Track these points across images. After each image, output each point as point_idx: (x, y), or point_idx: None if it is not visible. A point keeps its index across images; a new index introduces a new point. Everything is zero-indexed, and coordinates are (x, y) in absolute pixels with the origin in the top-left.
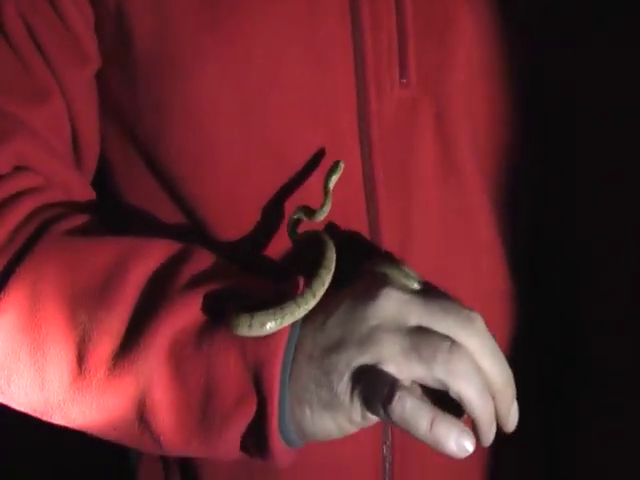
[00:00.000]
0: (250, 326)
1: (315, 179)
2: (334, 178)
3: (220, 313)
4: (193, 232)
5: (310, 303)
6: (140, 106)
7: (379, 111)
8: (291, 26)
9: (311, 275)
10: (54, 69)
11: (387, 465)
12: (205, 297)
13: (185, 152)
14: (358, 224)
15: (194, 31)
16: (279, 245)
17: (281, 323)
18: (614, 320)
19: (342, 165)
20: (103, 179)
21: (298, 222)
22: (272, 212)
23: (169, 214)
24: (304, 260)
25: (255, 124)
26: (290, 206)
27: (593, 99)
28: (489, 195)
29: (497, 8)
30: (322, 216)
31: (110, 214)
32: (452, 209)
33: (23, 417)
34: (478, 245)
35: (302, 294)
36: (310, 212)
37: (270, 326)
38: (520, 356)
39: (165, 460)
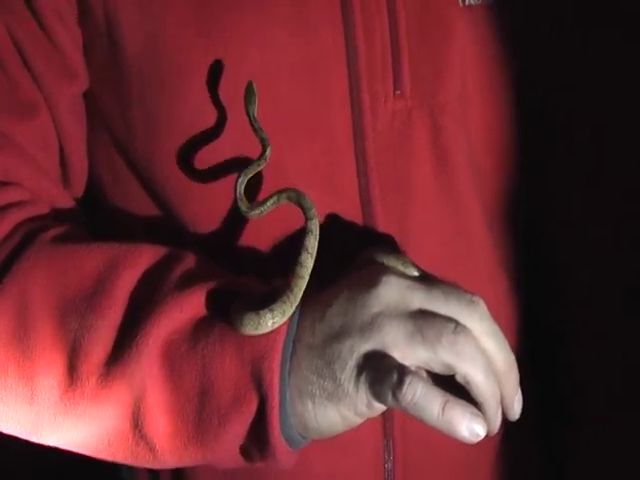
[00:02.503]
0: (257, 326)
1: (310, 194)
2: (254, 104)
3: (214, 311)
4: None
5: (303, 282)
6: (132, 125)
7: (374, 124)
8: (283, 39)
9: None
10: (40, 85)
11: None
12: (197, 296)
13: (176, 171)
14: (354, 239)
15: (184, 49)
16: (276, 261)
17: (283, 316)
18: (606, 327)
19: (254, 86)
20: (92, 196)
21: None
22: (267, 228)
23: (161, 231)
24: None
25: (248, 140)
26: (286, 222)
27: (589, 109)
28: (486, 206)
29: (494, 18)
30: (269, 153)
31: (98, 230)
32: (449, 221)
33: None
34: (476, 255)
35: (293, 274)
36: (256, 162)
37: (274, 322)
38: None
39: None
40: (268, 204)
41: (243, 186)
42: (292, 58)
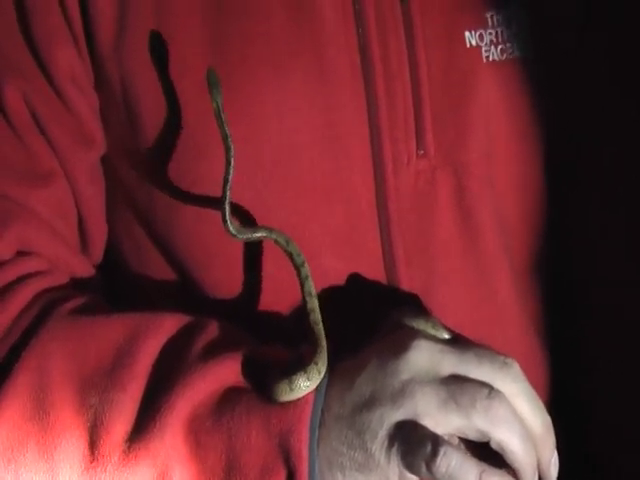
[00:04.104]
0: (309, 384)
1: (333, 260)
2: (221, 94)
3: (240, 382)
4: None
5: (321, 326)
6: (152, 194)
7: (396, 185)
8: (303, 103)
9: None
10: (57, 152)
11: None
12: (222, 367)
13: (197, 239)
14: (379, 302)
15: (203, 117)
16: (299, 326)
17: (324, 365)
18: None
19: (216, 74)
20: (110, 263)
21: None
22: (288, 291)
23: (181, 298)
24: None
25: (270, 206)
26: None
27: (620, 161)
28: (513, 264)
29: (519, 72)
30: (233, 158)
31: (118, 297)
32: (474, 282)
33: None
34: (504, 314)
35: (312, 323)
36: (227, 171)
37: (320, 375)
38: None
39: None
40: (257, 234)
41: (229, 204)
42: (312, 122)
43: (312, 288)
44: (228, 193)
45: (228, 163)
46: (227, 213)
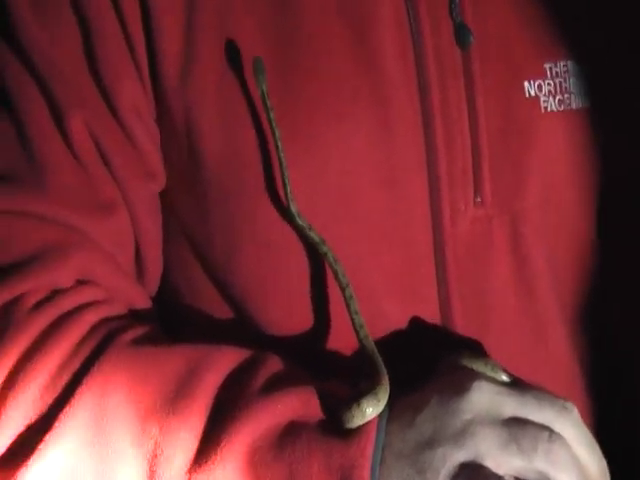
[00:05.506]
0: (376, 405)
1: (390, 303)
2: (266, 81)
3: (300, 416)
4: None
5: (371, 340)
6: (209, 228)
7: (453, 233)
8: (363, 149)
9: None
10: (119, 182)
11: None
12: (283, 401)
13: (256, 279)
14: (434, 346)
15: (264, 159)
16: (351, 372)
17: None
18: None
19: (262, 61)
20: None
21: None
22: (345, 341)
23: (235, 335)
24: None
25: (333, 249)
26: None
27: None
28: (565, 309)
29: (577, 123)
30: (280, 141)
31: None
32: (528, 327)
33: None
34: (555, 359)
35: (365, 339)
36: (277, 143)
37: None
38: None
39: None
40: (312, 233)
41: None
42: (373, 165)
43: (357, 307)
44: (286, 172)
45: (276, 143)
46: (289, 190)
